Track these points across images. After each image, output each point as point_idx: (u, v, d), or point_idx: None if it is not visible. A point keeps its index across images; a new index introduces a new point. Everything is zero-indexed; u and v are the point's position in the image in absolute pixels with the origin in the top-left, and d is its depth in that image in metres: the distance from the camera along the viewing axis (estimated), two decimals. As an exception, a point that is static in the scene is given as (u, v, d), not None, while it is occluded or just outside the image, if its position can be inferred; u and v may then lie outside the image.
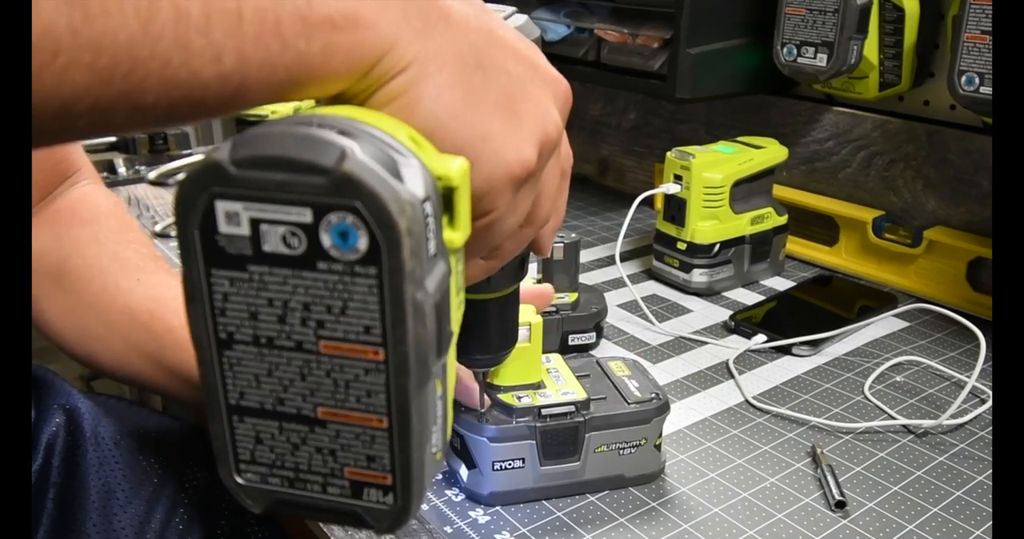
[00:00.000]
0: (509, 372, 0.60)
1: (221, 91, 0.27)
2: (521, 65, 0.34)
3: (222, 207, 0.25)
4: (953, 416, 0.70)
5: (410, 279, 0.26)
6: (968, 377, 0.73)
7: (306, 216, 0.25)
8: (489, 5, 0.40)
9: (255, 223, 0.25)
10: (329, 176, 0.24)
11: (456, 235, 0.29)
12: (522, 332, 0.58)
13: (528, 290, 0.64)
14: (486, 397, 0.59)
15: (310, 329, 0.27)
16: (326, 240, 0.25)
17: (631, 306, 0.94)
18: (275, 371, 0.28)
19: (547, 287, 0.68)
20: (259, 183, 0.25)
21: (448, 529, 0.58)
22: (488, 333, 0.48)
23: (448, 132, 0.31)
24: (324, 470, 0.29)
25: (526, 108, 0.33)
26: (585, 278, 0.99)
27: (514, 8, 0.42)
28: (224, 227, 0.26)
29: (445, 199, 0.29)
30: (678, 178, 0.94)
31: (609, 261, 1.06)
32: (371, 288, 0.26)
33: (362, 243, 0.25)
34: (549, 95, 0.35)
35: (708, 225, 0.94)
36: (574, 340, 0.82)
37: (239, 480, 0.30)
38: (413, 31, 0.30)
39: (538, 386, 0.61)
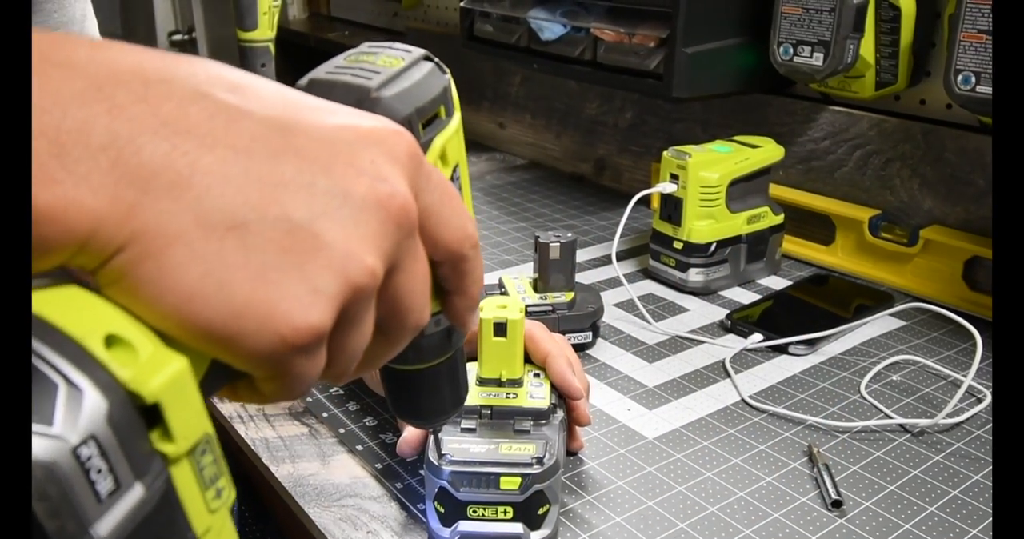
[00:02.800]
0: (489, 364, 0.60)
1: None
2: (317, 200, 0.27)
3: None
4: (949, 415, 0.70)
5: (59, 537, 0.23)
6: (964, 376, 0.73)
7: None
8: (393, 48, 0.36)
9: None
10: None
11: (173, 446, 0.26)
12: (497, 328, 0.59)
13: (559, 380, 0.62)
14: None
15: None
16: None
17: (627, 305, 0.93)
18: None
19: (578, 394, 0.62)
20: None
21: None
22: (418, 401, 0.44)
23: (186, 315, 0.26)
24: None
25: (315, 258, 0.27)
26: (581, 277, 0.99)
27: (419, 53, 0.37)
28: None
29: (153, 410, 0.25)
30: (674, 177, 0.94)
31: (605, 260, 1.06)
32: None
33: None
34: (363, 227, 0.28)
35: (704, 224, 0.94)
36: (571, 339, 0.82)
37: None
38: (123, 209, 0.24)
39: (518, 384, 0.61)
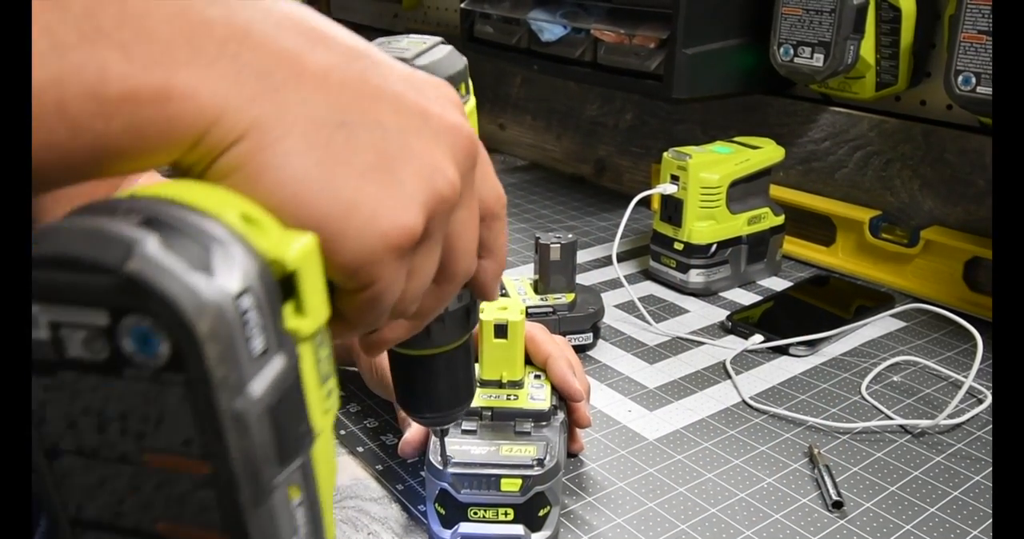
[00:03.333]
0: (490, 365, 0.60)
1: None
2: (403, 116, 0.30)
3: None
4: (950, 416, 0.70)
5: (222, 387, 0.23)
6: (965, 377, 0.73)
7: (102, 319, 0.23)
8: (410, 36, 0.39)
9: (54, 326, 0.23)
10: (115, 276, 0.22)
11: (305, 322, 0.26)
12: (498, 330, 0.59)
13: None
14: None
15: (130, 439, 0.24)
16: (127, 345, 0.23)
17: (628, 306, 0.93)
18: (106, 484, 0.25)
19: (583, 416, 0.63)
20: (47, 283, 0.23)
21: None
22: (435, 390, 0.44)
23: (302, 204, 0.27)
24: None
25: (406, 166, 0.29)
26: (582, 279, 0.99)
27: (437, 39, 0.40)
28: None
29: (287, 284, 0.26)
30: (675, 178, 0.94)
31: (606, 261, 1.06)
32: (182, 398, 0.23)
33: (163, 349, 0.23)
34: (441, 147, 0.31)
35: (705, 225, 0.94)
36: (571, 341, 0.82)
37: None
38: (247, 97, 0.26)
39: (519, 385, 0.61)
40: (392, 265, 0.29)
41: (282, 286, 0.26)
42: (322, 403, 0.28)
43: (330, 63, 0.28)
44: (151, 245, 0.22)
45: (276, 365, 0.25)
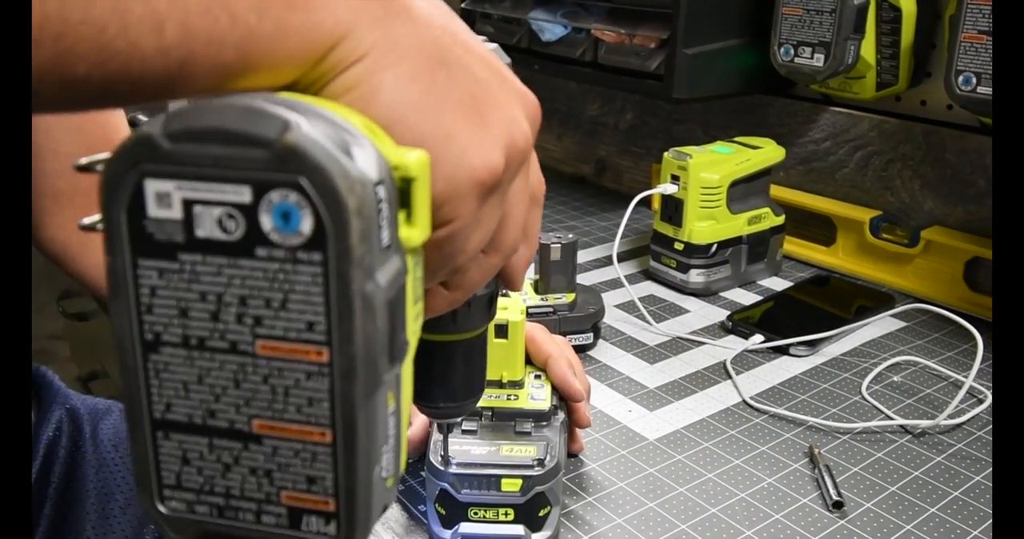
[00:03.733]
0: (490, 365, 0.60)
1: (163, 67, 0.25)
2: (487, 70, 0.32)
3: (152, 187, 0.24)
4: (951, 416, 0.70)
5: (359, 266, 0.23)
6: (965, 377, 0.73)
7: (245, 195, 0.23)
8: None
9: (188, 205, 0.24)
10: (270, 149, 0.23)
11: (414, 232, 0.27)
12: (499, 330, 0.59)
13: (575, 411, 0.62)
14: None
15: (246, 327, 0.24)
16: (266, 222, 0.23)
17: (628, 306, 0.94)
18: (206, 377, 0.25)
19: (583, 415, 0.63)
20: (194, 158, 0.23)
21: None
22: (452, 379, 0.44)
23: (408, 127, 0.29)
24: (258, 495, 0.26)
25: (492, 112, 0.31)
26: (582, 278, 0.99)
27: (483, 38, 0.42)
28: (154, 210, 0.24)
29: (402, 193, 0.27)
30: (675, 178, 0.94)
31: (606, 261, 1.06)
32: (315, 277, 0.24)
33: (306, 225, 0.23)
34: (517, 105, 0.33)
35: (705, 225, 0.94)
36: (572, 341, 0.82)
37: (162, 509, 0.27)
38: (372, 18, 0.28)
39: (519, 385, 0.61)
40: (472, 204, 0.30)
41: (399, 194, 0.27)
42: (413, 322, 0.29)
43: (431, 10, 0.31)
44: (304, 123, 0.23)
45: (395, 263, 0.26)
